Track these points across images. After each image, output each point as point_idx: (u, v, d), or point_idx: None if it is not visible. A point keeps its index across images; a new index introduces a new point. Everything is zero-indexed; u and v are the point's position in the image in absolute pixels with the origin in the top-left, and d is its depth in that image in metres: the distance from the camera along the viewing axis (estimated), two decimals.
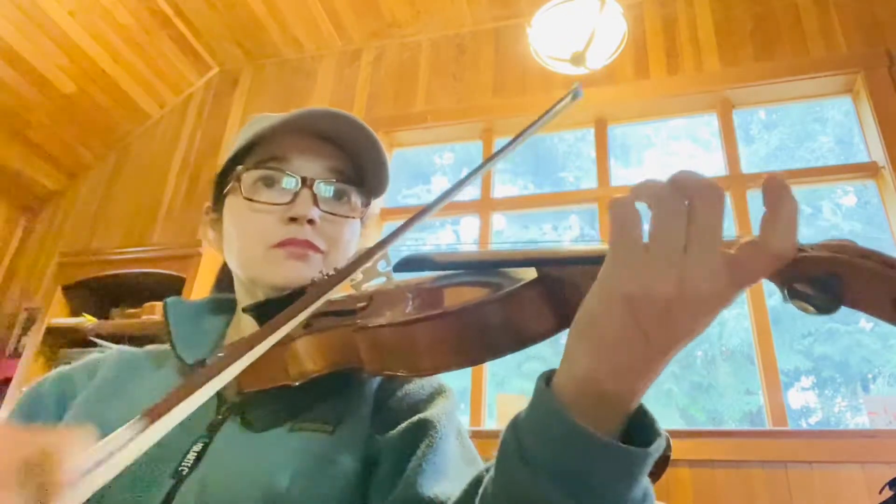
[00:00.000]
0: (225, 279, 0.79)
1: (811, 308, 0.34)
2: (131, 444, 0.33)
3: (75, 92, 3.14)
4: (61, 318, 2.63)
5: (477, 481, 0.45)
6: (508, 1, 3.02)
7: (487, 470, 0.45)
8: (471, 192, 2.81)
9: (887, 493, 1.46)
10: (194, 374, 0.39)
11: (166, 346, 0.69)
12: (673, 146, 3.20)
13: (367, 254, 0.50)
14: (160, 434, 0.34)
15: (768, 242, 0.33)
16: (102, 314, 2.72)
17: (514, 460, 0.39)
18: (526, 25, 2.47)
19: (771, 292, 2.35)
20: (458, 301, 0.45)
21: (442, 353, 0.44)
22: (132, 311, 2.66)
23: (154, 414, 0.35)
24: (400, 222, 0.52)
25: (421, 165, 3.57)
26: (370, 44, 3.28)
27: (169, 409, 0.35)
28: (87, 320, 2.61)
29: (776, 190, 0.33)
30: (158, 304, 2.58)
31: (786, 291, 0.35)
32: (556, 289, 0.43)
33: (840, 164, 2.53)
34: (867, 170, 2.39)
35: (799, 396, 3.00)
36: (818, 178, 2.50)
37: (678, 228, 0.34)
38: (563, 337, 0.43)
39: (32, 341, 2.60)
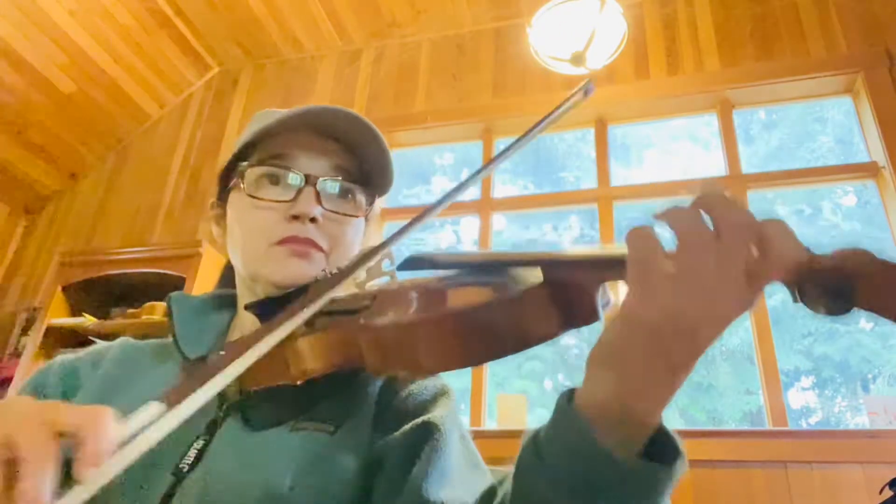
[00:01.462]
0: (227, 276, 0.78)
1: (823, 310, 0.35)
2: (154, 427, 0.35)
3: (75, 92, 3.14)
4: (61, 318, 2.63)
5: (489, 494, 0.45)
6: (508, 1, 3.02)
7: (500, 483, 0.45)
8: (471, 192, 2.81)
9: (887, 494, 1.45)
10: (208, 364, 0.41)
11: (169, 340, 0.69)
12: (673, 146, 3.20)
13: (371, 253, 0.50)
14: (180, 419, 0.36)
15: (780, 254, 0.33)
16: (102, 314, 2.72)
17: (534, 476, 0.39)
18: (526, 25, 2.47)
19: (771, 292, 2.35)
20: (463, 302, 0.45)
21: (445, 353, 0.44)
22: (132, 311, 2.66)
23: (172, 399, 0.37)
24: (400, 222, 0.52)
25: (421, 165, 3.57)
26: (370, 44, 3.28)
27: (187, 395, 0.37)
28: (87, 320, 2.61)
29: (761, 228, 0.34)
30: (158, 304, 2.58)
31: (796, 293, 0.36)
32: (562, 291, 0.43)
33: (840, 164, 2.52)
34: (867, 170, 2.39)
35: (799, 396, 2.99)
36: (818, 178, 2.50)
37: (707, 258, 0.34)
38: (563, 337, 0.43)
39: (32, 341, 2.60)
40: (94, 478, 0.32)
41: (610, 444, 0.36)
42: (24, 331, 2.91)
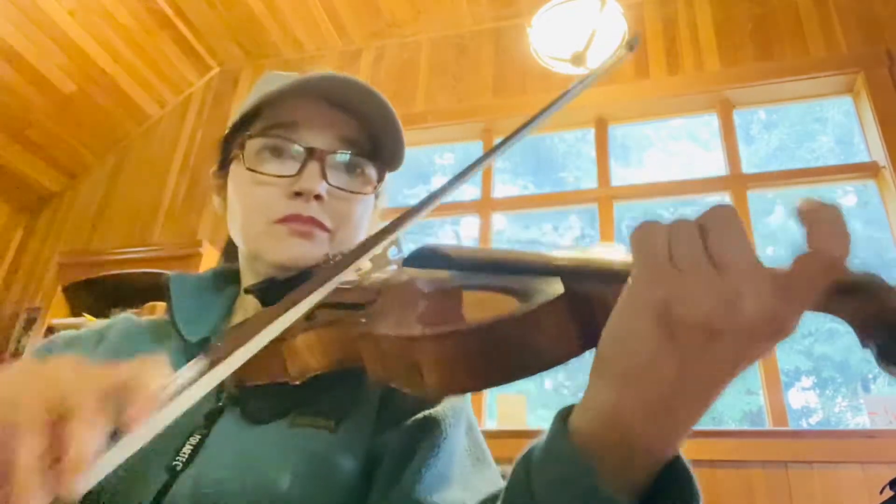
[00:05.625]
0: (231, 251, 0.75)
1: None
2: (197, 383, 0.33)
3: (75, 92, 3.13)
4: (61, 318, 2.63)
5: (491, 500, 0.43)
6: (508, 1, 3.02)
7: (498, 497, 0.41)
8: (471, 192, 2.81)
9: (888, 494, 1.45)
10: (250, 321, 0.37)
11: (164, 318, 0.67)
12: (673, 146, 3.20)
13: (378, 237, 0.45)
14: (219, 378, 0.33)
15: (818, 248, 0.29)
16: (102, 314, 2.71)
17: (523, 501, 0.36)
18: (526, 25, 2.47)
19: None
20: (474, 312, 0.41)
21: (451, 373, 0.39)
22: (132, 311, 2.65)
23: (215, 357, 0.34)
24: None
25: (421, 165, 3.56)
26: (370, 44, 3.28)
27: (228, 355, 0.34)
28: (88, 320, 2.61)
29: (809, 208, 0.30)
30: (159, 304, 2.58)
31: (869, 345, 0.32)
32: (584, 306, 0.38)
33: (840, 164, 2.53)
34: (867, 170, 2.39)
35: (799, 396, 2.99)
36: (818, 178, 2.50)
37: (694, 242, 0.31)
38: (582, 358, 0.39)
39: (33, 341, 2.60)
40: (141, 432, 0.30)
41: (607, 476, 0.32)
42: (25, 331, 2.91)
